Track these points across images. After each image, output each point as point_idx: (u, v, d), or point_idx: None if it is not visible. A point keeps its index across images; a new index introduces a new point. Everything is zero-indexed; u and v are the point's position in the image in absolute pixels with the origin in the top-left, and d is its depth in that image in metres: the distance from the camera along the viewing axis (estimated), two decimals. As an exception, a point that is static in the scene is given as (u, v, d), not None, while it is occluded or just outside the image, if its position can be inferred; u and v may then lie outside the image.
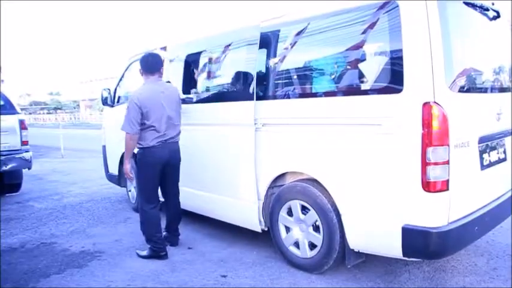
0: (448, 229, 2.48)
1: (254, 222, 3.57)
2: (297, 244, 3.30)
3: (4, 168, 5.99)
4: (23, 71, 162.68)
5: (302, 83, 3.20)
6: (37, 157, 10.65)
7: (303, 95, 3.16)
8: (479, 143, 2.79)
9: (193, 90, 4.23)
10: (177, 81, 4.24)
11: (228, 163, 3.74)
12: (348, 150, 2.80)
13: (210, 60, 4.11)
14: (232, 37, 3.78)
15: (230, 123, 3.66)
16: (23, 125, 6.32)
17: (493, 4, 2.97)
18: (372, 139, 2.64)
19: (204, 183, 4.05)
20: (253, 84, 3.40)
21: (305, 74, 3.21)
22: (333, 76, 3.01)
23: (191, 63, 4.30)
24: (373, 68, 2.72)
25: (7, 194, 6.71)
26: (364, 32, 2.70)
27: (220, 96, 3.99)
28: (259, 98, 3.37)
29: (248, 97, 3.44)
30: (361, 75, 2.80)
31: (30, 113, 59.68)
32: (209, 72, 4.14)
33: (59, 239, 4.32)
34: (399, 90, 2.49)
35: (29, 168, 6.49)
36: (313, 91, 3.10)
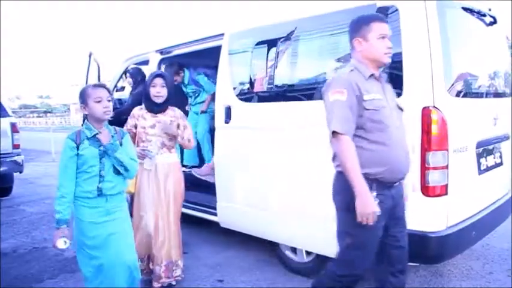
0: (447, 233, 2.48)
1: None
2: (293, 248, 3.28)
3: (-5, 171, 5.90)
4: (12, 73, 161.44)
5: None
6: (28, 161, 10.48)
7: None
8: (476, 148, 2.80)
9: (269, 86, 3.30)
10: (243, 76, 3.48)
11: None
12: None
13: (296, 48, 3.16)
14: (332, 19, 2.89)
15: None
16: (14, 128, 6.25)
17: (490, 10, 3.01)
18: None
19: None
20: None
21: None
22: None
23: (265, 53, 3.34)
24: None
25: (-3, 198, 6.61)
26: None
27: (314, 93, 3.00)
28: None
29: None
30: None
31: (20, 117, 58.88)
32: (296, 63, 3.21)
33: (52, 244, 4.24)
34: (398, 95, 2.49)
35: (21, 172, 6.41)
36: None
